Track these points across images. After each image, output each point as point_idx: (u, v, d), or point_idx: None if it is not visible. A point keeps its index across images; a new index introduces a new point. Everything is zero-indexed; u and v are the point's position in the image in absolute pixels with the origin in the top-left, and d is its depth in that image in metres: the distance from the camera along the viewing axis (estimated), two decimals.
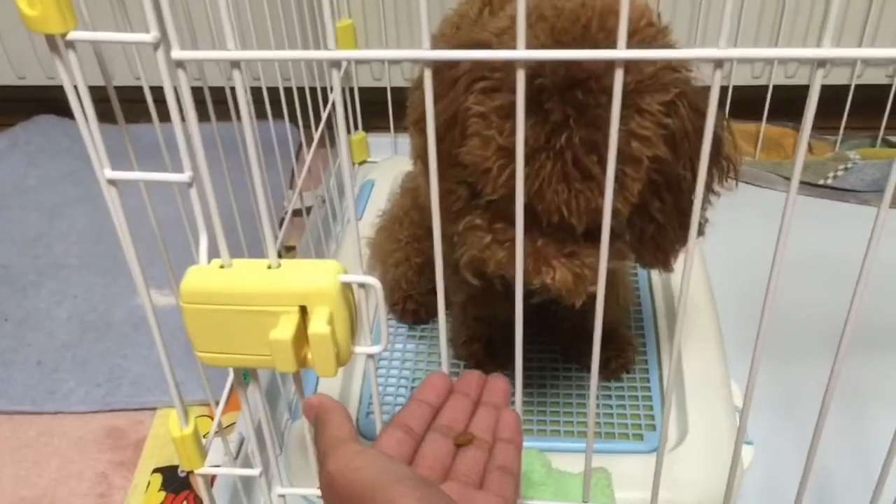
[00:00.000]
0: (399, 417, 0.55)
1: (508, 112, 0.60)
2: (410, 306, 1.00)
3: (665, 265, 0.72)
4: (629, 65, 0.59)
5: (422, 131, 0.70)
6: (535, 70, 0.59)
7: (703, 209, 0.69)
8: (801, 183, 1.31)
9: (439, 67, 0.69)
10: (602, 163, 0.60)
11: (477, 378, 0.59)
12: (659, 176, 0.64)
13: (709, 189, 0.68)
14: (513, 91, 0.60)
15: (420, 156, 0.74)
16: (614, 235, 0.65)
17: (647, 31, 0.64)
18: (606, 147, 0.57)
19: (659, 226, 0.68)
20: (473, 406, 0.57)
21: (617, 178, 0.60)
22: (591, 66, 0.58)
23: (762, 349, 0.56)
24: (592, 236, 0.65)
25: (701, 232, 0.69)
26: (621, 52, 0.41)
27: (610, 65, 0.58)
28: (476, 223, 0.69)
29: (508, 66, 0.60)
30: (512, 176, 0.60)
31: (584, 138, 0.59)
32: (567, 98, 0.59)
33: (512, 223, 0.62)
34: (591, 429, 0.62)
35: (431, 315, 1.01)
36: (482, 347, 0.93)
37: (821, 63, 0.40)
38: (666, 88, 0.61)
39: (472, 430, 0.55)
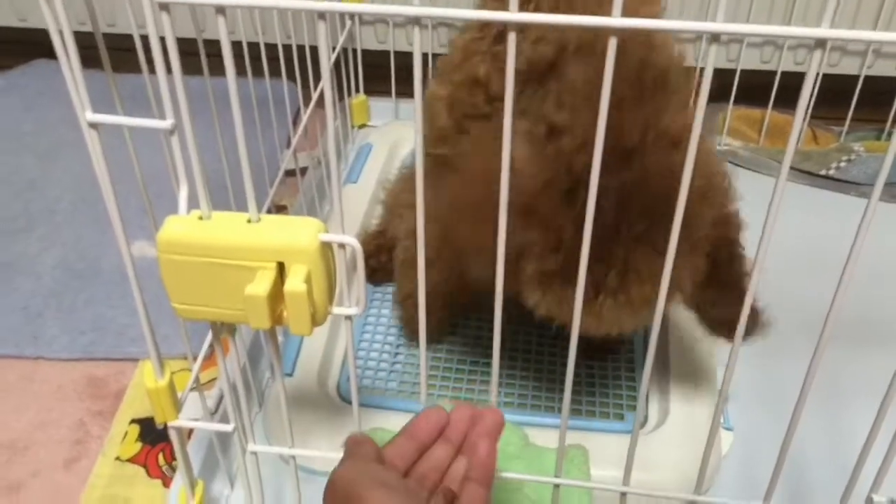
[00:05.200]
0: (387, 451, 0.56)
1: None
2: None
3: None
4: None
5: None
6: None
7: None
8: (803, 172, 1.30)
9: None
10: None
11: (466, 419, 0.58)
12: None
13: None
14: None
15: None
16: None
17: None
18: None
19: None
20: (456, 453, 0.57)
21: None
22: None
23: (740, 335, 0.56)
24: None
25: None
26: (615, 21, 0.40)
27: None
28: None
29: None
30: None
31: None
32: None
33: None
34: (567, 404, 0.61)
35: None
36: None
37: (819, 43, 0.39)
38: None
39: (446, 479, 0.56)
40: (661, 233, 0.56)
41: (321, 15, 0.43)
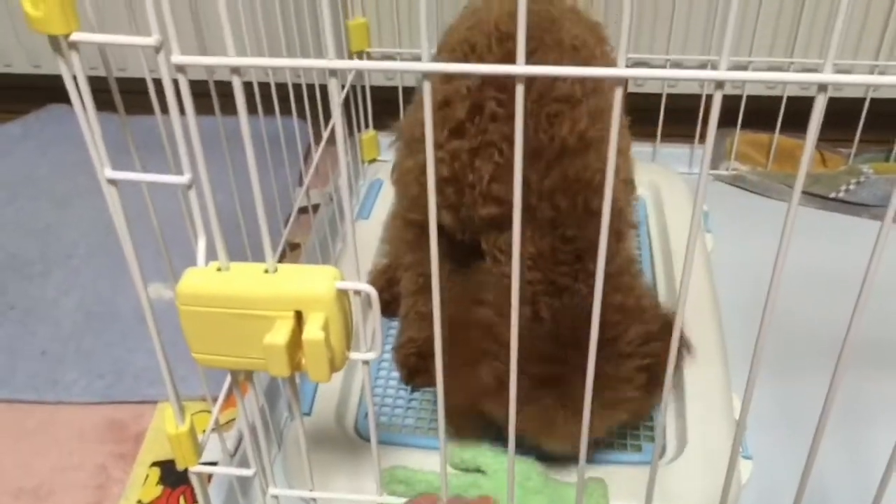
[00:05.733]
0: None
1: None
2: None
3: None
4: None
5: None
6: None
7: None
8: (813, 196, 1.30)
9: None
10: None
11: None
12: None
13: None
14: None
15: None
16: None
17: None
18: None
19: None
20: None
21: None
22: None
23: (759, 363, 0.56)
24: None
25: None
26: (622, 71, 0.41)
27: None
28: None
29: None
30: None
31: None
32: None
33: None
34: (585, 436, 0.61)
35: None
36: (416, 357, 0.93)
37: (822, 87, 0.40)
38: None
39: None
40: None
41: (332, 72, 0.44)
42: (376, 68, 0.41)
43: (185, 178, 0.50)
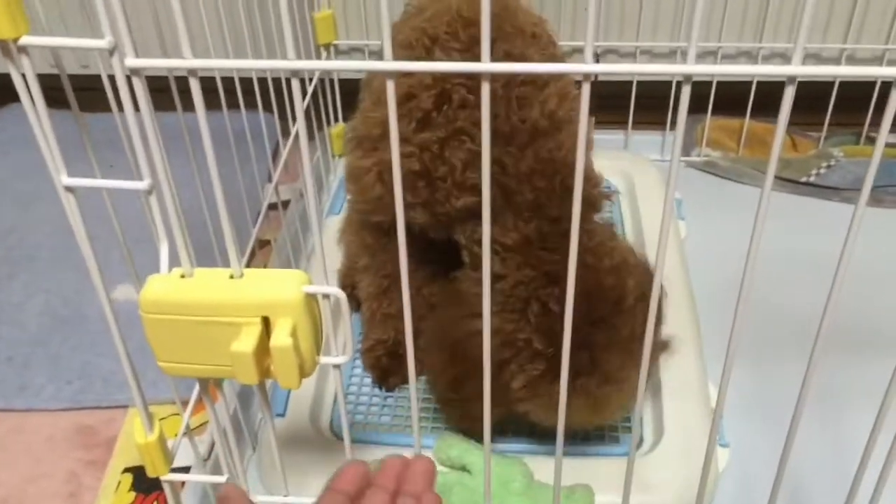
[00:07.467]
0: None
1: None
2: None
3: None
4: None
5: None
6: None
7: None
8: (784, 180, 1.30)
9: None
10: None
11: (398, 466, 0.56)
12: None
13: None
14: None
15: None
16: None
17: None
18: None
19: None
20: (392, 499, 0.53)
21: None
22: None
23: (734, 351, 0.55)
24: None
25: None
26: (589, 67, 0.40)
27: None
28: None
29: None
30: None
31: None
32: None
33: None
34: (561, 436, 0.61)
35: None
36: (387, 357, 0.91)
37: (790, 80, 0.39)
38: None
39: None
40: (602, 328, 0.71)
41: (294, 73, 0.42)
42: (338, 68, 0.40)
43: (144, 184, 0.49)
